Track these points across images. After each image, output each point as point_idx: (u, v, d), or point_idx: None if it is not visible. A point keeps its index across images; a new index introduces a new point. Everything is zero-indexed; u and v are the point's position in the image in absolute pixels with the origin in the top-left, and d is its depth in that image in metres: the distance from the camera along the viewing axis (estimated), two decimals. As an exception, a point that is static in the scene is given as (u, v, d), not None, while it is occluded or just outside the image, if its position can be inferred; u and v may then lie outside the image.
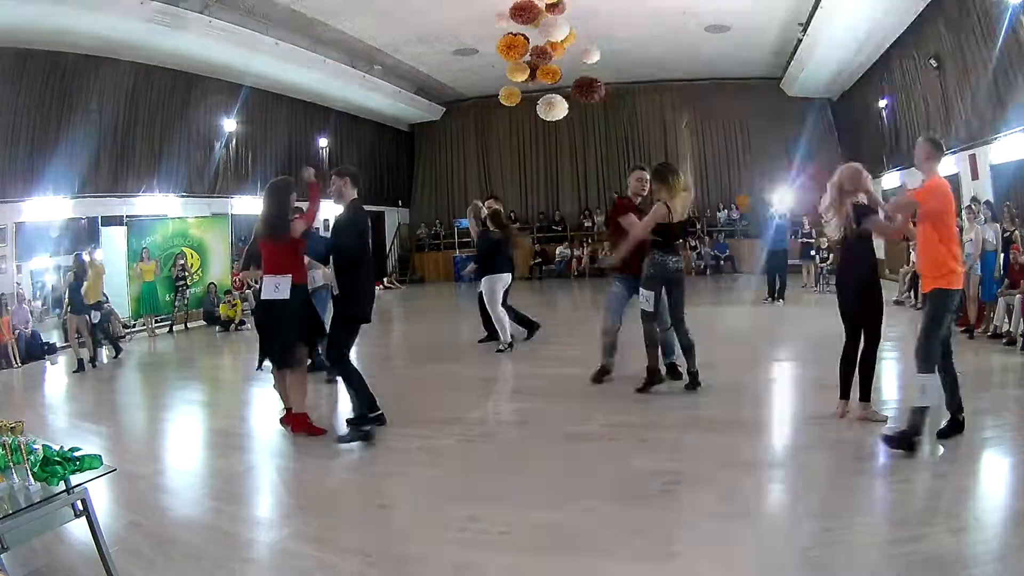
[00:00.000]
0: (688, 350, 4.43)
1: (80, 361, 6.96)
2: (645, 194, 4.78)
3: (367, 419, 4.03)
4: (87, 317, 7.16)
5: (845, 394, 3.72)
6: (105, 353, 7.54)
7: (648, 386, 4.49)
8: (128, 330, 9.46)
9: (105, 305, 8.29)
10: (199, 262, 10.48)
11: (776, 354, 6.02)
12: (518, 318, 6.80)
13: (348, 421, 4.00)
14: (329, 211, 5.89)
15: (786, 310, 9.13)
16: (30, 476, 2.07)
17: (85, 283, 7.27)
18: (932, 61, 9.15)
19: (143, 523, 2.81)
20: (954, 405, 3.32)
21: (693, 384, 4.45)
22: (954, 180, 9.18)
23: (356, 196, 4.06)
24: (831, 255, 10.69)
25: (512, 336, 6.49)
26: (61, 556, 2.51)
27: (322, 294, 5.20)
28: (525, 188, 17.13)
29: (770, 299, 9.57)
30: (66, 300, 7.49)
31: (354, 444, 3.79)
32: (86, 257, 7.70)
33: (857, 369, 3.69)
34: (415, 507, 2.88)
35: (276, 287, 3.92)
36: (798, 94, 14.63)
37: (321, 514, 2.89)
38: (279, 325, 3.97)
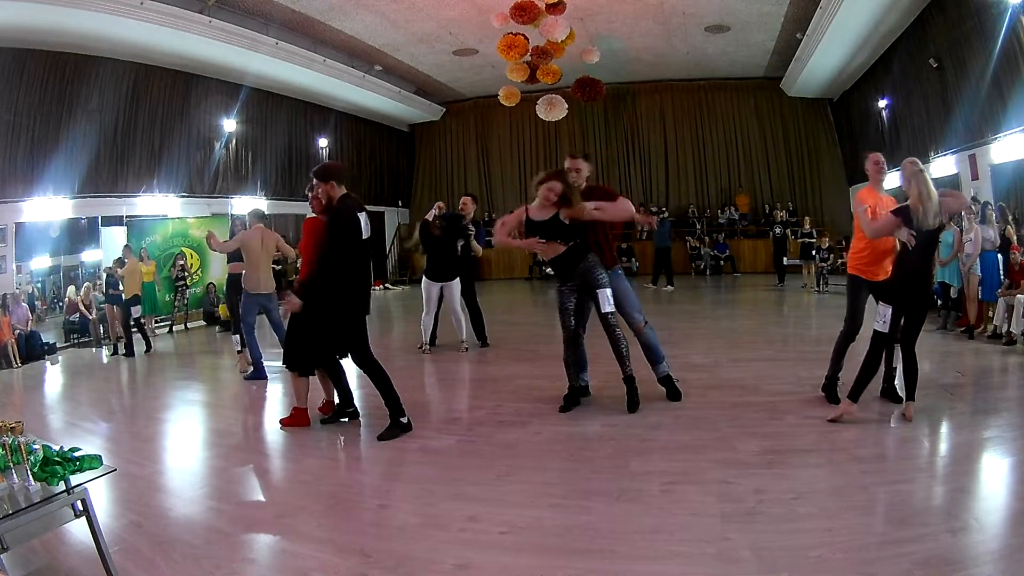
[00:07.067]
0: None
1: (115, 346, 8.25)
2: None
3: (345, 412, 4.26)
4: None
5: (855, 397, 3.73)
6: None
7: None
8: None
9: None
10: (199, 262, 10.50)
11: (776, 354, 6.01)
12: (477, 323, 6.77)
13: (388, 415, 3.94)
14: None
15: (788, 310, 9.13)
16: (30, 476, 2.07)
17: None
18: (932, 61, 9.15)
19: (143, 523, 2.80)
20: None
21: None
22: (954, 180, 9.20)
23: (344, 191, 3.88)
24: (831, 255, 10.76)
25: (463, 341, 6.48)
26: (61, 556, 2.51)
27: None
28: (525, 188, 17.11)
29: (654, 286, 11.63)
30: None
31: (349, 446, 3.78)
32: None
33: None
34: (415, 507, 2.87)
35: None
36: (798, 94, 14.64)
37: (321, 514, 2.88)
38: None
